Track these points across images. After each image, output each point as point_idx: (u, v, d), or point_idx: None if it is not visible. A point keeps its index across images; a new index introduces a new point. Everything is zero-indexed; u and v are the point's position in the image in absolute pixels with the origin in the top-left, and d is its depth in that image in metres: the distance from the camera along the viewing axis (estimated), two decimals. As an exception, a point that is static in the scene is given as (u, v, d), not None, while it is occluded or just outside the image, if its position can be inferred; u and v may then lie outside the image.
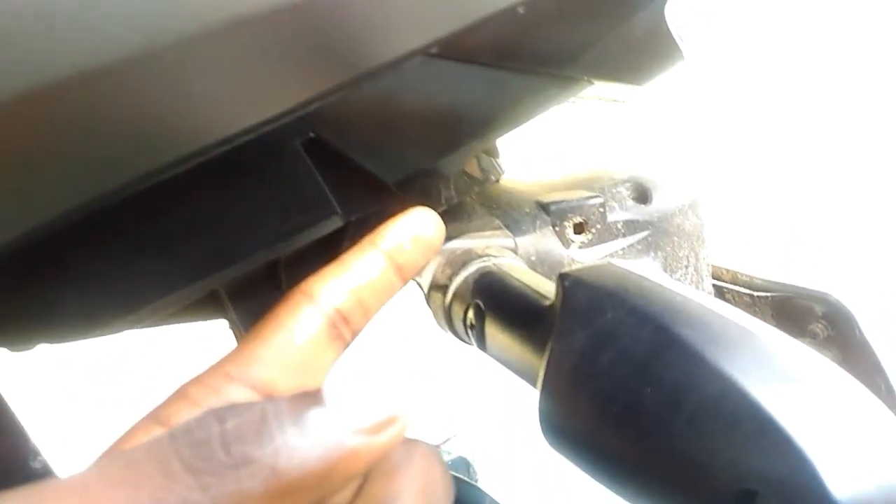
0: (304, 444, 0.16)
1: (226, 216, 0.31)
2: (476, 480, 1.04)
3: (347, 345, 0.24)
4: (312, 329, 0.23)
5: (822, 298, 0.47)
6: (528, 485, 0.98)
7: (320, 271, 0.26)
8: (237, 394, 0.20)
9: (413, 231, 0.26)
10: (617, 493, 0.26)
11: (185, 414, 0.19)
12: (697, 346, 0.23)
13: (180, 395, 0.21)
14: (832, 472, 0.20)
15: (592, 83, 0.38)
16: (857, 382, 0.22)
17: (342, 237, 0.36)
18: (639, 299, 0.27)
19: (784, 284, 0.50)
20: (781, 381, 0.22)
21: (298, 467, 0.16)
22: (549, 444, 0.28)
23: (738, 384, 0.22)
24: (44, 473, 0.33)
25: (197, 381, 0.21)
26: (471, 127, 0.34)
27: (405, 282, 0.26)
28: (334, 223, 0.33)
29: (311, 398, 0.18)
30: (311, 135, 0.31)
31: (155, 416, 0.20)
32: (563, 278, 0.30)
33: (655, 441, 0.23)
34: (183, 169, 0.29)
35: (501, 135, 0.36)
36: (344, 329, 0.24)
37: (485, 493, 0.45)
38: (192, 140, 0.26)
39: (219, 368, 0.21)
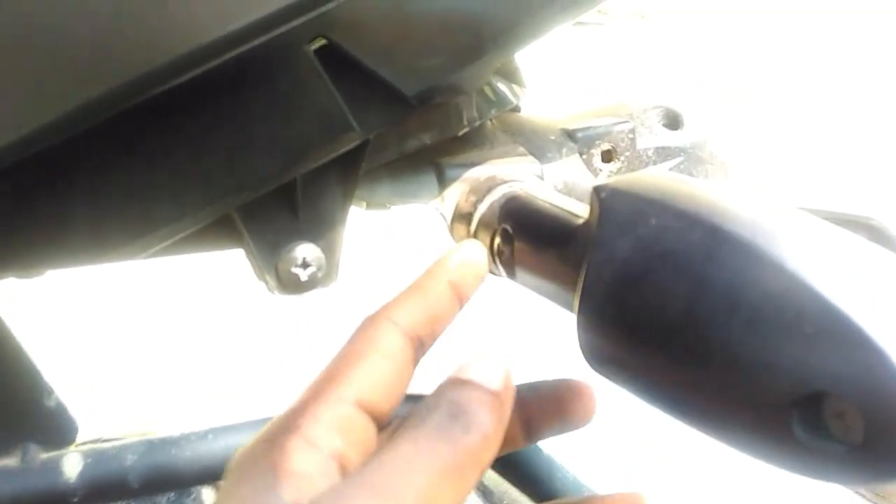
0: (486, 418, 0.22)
1: (237, 131, 0.29)
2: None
3: (418, 364, 0.26)
4: (399, 350, 0.25)
5: (865, 223, 0.44)
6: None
7: (398, 296, 0.27)
8: (346, 411, 0.23)
9: (471, 261, 0.28)
10: (667, 411, 0.24)
11: (322, 429, 0.22)
12: (754, 242, 0.21)
13: (310, 413, 0.23)
14: (913, 368, 0.18)
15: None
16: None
17: (359, 157, 0.34)
18: (685, 203, 0.24)
19: (823, 211, 0.47)
20: (848, 274, 0.20)
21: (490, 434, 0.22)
22: (592, 366, 0.26)
23: (801, 278, 0.19)
24: (58, 411, 0.32)
25: (318, 399, 0.23)
26: (492, 34, 0.31)
27: (460, 309, 0.28)
28: (351, 140, 0.31)
29: (460, 387, 0.23)
30: (324, 41, 0.28)
31: (301, 435, 0.22)
32: (598, 190, 0.28)
33: (711, 347, 0.21)
34: (191, 76, 0.27)
35: (525, 45, 0.34)
36: (419, 350, 0.26)
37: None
38: (193, 34, 0.24)
39: (331, 391, 0.23)
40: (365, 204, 0.51)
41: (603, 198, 0.28)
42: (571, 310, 0.29)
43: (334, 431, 0.22)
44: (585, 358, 0.27)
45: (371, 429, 0.23)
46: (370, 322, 0.25)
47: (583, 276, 0.27)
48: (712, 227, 0.22)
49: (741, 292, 0.20)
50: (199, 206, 0.29)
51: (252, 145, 0.29)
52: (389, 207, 0.52)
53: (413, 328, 0.25)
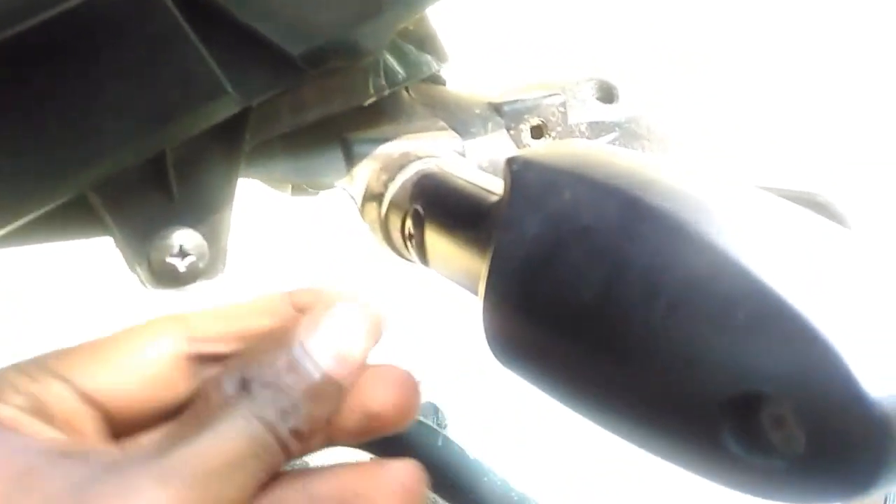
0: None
1: (83, 93, 0.24)
2: (445, 426, 1.00)
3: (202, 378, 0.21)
4: (166, 356, 0.21)
5: (809, 199, 0.41)
6: (501, 426, 0.95)
7: (213, 309, 0.22)
8: (47, 384, 0.19)
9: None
10: (581, 412, 0.20)
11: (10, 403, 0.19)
12: (677, 215, 0.18)
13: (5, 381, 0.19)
14: (864, 364, 0.14)
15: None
16: (885, 251, 0.17)
17: (241, 128, 0.29)
18: (603, 173, 0.21)
19: (765, 186, 0.45)
20: (789, 252, 0.16)
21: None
22: (497, 358, 0.23)
23: (732, 257, 0.16)
24: None
25: (17, 366, 0.20)
26: (394, -15, 0.27)
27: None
28: (227, 106, 0.26)
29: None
30: (184, -13, 0.24)
31: None
32: (510, 162, 0.24)
33: (629, 338, 0.17)
34: (21, 29, 0.22)
35: (431, 1, 0.30)
36: (206, 364, 0.21)
37: (437, 430, 0.41)
38: None
39: (37, 362, 0.20)
40: (290, 188, 0.47)
41: (514, 170, 0.24)
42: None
43: (15, 392, 0.19)
44: (491, 350, 0.23)
45: (88, 416, 0.20)
46: (159, 318, 0.22)
47: (490, 254, 0.23)
48: (631, 199, 0.19)
49: (663, 273, 0.17)
50: (35, 186, 0.24)
51: (98, 110, 0.24)
52: (317, 193, 0.48)
53: (205, 337, 0.21)
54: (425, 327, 1.08)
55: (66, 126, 0.24)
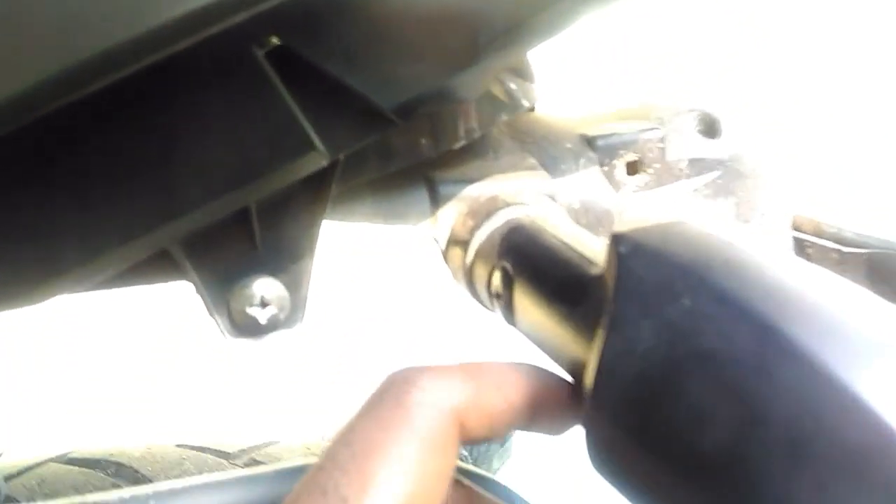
0: None
1: (169, 150, 0.23)
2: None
3: None
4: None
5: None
6: (553, 456, 0.92)
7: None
8: None
9: None
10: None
11: None
12: (829, 361, 0.15)
13: None
14: None
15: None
16: None
17: (328, 178, 0.28)
18: (729, 279, 0.18)
19: (881, 239, 0.40)
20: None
21: None
22: (598, 470, 0.21)
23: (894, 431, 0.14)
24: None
25: None
26: (491, 32, 0.25)
27: None
28: (315, 161, 0.25)
29: None
30: (276, 41, 0.23)
31: None
32: (617, 242, 0.22)
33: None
34: (110, 82, 0.21)
35: (531, 46, 0.28)
36: None
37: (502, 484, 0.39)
38: (109, 30, 0.18)
39: None
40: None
41: (622, 254, 0.22)
42: (582, 381, 0.23)
43: None
44: (589, 455, 0.21)
45: None
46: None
47: (597, 354, 0.21)
48: (766, 328, 0.16)
49: (812, 436, 0.15)
50: (116, 245, 0.23)
51: (188, 169, 0.23)
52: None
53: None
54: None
55: (151, 183, 0.23)
